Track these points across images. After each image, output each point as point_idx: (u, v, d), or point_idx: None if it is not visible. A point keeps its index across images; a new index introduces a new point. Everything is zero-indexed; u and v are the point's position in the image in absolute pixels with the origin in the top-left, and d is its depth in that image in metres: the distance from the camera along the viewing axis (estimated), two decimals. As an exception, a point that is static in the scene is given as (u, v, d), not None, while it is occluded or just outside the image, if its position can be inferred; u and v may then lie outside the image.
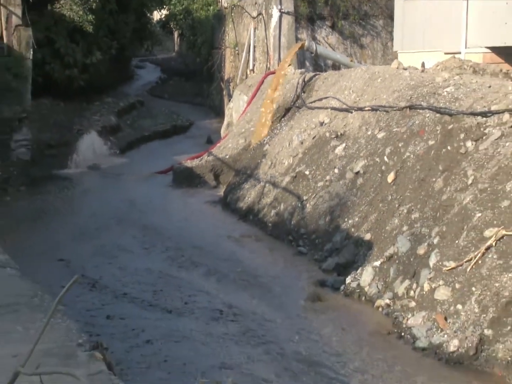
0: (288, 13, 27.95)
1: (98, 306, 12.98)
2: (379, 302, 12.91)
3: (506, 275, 11.13)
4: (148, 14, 37.47)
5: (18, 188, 21.20)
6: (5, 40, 22.23)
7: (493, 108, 14.57)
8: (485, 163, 13.44)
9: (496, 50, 20.33)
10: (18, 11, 22.50)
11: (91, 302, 13.06)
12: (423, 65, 20.51)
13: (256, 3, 29.31)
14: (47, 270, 13.13)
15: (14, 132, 22.29)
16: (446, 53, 20.92)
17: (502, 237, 11.63)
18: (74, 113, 28.32)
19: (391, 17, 26.99)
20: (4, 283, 7.36)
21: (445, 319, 11.45)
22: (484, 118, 14.58)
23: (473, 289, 11.42)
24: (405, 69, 20.19)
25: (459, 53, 20.58)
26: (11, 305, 6.55)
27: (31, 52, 23.35)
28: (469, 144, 14.21)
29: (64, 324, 6.04)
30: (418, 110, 16.49)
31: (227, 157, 24.44)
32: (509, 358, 10.24)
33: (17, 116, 22.52)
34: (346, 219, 16.09)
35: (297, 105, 23.07)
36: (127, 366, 9.70)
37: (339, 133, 19.27)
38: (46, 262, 14.08)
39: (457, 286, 11.77)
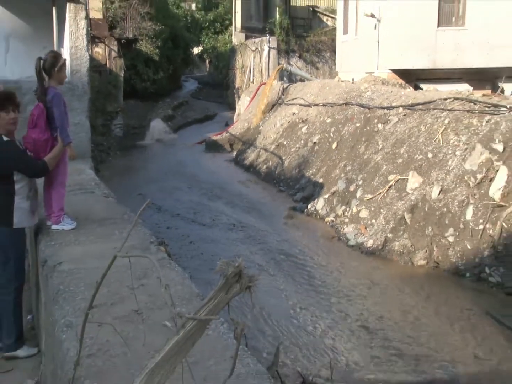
0: (273, 48, 30.53)
1: (162, 221, 15.09)
2: (327, 219, 15.03)
3: (400, 202, 13.13)
4: (191, 49, 39.96)
5: (116, 152, 22.90)
6: (108, 66, 23.77)
7: (393, 104, 16.61)
8: (388, 137, 15.51)
9: (395, 71, 21.80)
10: (115, 48, 24.41)
11: (157, 219, 15.14)
12: (353, 79, 22.49)
13: (254, 42, 31.40)
14: (132, 199, 14.61)
15: (113, 119, 23.86)
16: (366, 72, 22.54)
17: (398, 180, 13.71)
18: (147, 108, 30.52)
19: (334, 51, 29.31)
20: (107, 206, 7.76)
21: (365, 228, 13.44)
22: (388, 110, 16.59)
23: (381, 210, 13.45)
24: (342, 81, 22.47)
25: (374, 72, 22.10)
26: (111, 219, 6.99)
27: (123, 73, 24.98)
28: (379, 125, 16.35)
29: (142, 231, 6.52)
30: (350, 105, 18.74)
31: (237, 134, 26.87)
32: (401, 250, 12.18)
33: (115, 110, 24.15)
34: (308, 170, 18.37)
35: (279, 102, 25.48)
36: (179, 256, 11.33)
37: (303, 119, 21.52)
38: (131, 195, 15.79)
39: (372, 209, 13.80)
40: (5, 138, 5.70)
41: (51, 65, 6.17)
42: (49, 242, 5.94)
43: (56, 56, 6.34)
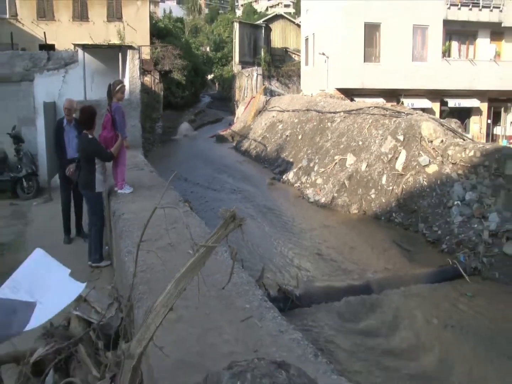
0: (260, 74, 29.91)
1: (187, 188, 14.79)
2: (295, 185, 14.92)
3: (341, 173, 13.05)
4: (206, 76, 39.46)
5: (157, 144, 22.38)
6: (152, 88, 23.30)
7: (337, 110, 16.46)
8: (334, 131, 15.36)
9: (338, 89, 21.51)
10: (157, 77, 23.94)
11: (184, 186, 14.84)
12: (311, 94, 22.06)
13: (247, 71, 30.84)
14: (167, 174, 15.86)
15: (156, 122, 23.28)
16: (320, 89, 22.28)
17: (340, 159, 13.62)
18: (178, 115, 29.89)
19: (299, 76, 28.85)
20: (152, 178, 7.46)
21: (320, 190, 13.36)
22: (334, 114, 16.37)
23: (330, 179, 13.33)
24: (305, 95, 22.48)
25: (325, 89, 21.86)
26: (155, 186, 6.72)
27: (162, 92, 24.56)
28: (329, 124, 16.16)
29: (174, 193, 6.35)
30: (310, 110, 18.43)
31: (236, 130, 26.44)
32: (343, 204, 12.13)
33: (157, 116, 23.54)
34: (282, 153, 18.10)
35: (263, 109, 25.04)
36: (198, 210, 10.47)
37: (280, 120, 21.18)
38: (166, 171, 14.78)
39: (324, 178, 13.67)
40: (90, 136, 5.86)
41: (114, 88, 6.15)
42: (116, 201, 5.96)
43: (116, 83, 6.35)
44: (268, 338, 2.72)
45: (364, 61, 21.90)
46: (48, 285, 2.18)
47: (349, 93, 21.60)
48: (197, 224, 4.76)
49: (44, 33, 17.07)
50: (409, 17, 21.68)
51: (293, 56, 36.69)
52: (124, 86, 6.36)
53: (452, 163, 11.05)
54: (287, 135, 19.07)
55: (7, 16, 23.90)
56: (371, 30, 21.71)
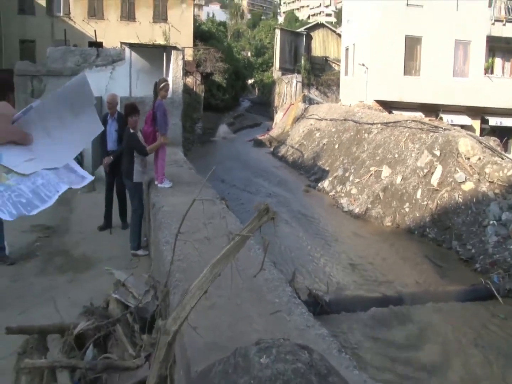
0: (299, 82, 29.87)
1: (223, 189, 14.77)
2: (330, 193, 14.89)
3: (376, 185, 13.00)
4: (246, 81, 39.47)
5: (196, 144, 22.66)
6: (194, 89, 23.56)
7: (375, 121, 16.35)
8: (371, 142, 15.34)
9: (377, 101, 21.34)
10: (199, 78, 24.31)
11: (220, 187, 14.74)
12: (350, 105, 21.86)
13: (287, 77, 30.96)
14: (205, 173, 15.27)
15: (196, 123, 23.59)
16: (359, 100, 22.08)
17: (376, 171, 13.57)
18: (217, 117, 29.89)
19: (338, 85, 28.61)
20: (191, 175, 7.69)
21: (354, 200, 13.34)
22: (371, 125, 16.31)
23: (365, 189, 13.32)
24: (343, 105, 22.22)
25: (363, 100, 21.71)
26: (193, 182, 6.92)
27: (203, 94, 24.69)
28: (366, 135, 16.11)
29: (211, 190, 6.60)
30: (347, 120, 18.39)
31: (274, 136, 26.53)
32: (377, 215, 12.11)
33: (197, 117, 23.78)
34: (319, 161, 18.08)
35: (301, 117, 25.03)
36: (233, 211, 11.11)
37: (317, 128, 21.15)
38: (204, 170, 16.99)
39: (359, 188, 13.67)
40: (131, 131, 6.12)
41: (158, 85, 6.43)
42: (156, 194, 6.13)
43: (161, 81, 6.61)
44: (295, 331, 2.81)
45: (404, 74, 21.81)
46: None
47: (388, 106, 21.50)
48: (233, 221, 4.90)
49: (95, 31, 17.76)
50: (452, 31, 21.45)
51: (333, 65, 36.77)
52: (167, 84, 6.61)
53: (489, 182, 10.90)
54: (324, 144, 19.11)
55: (61, 14, 25.14)
56: (412, 43, 21.63)
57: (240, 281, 3.43)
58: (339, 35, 34.34)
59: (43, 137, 1.27)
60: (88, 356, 3.39)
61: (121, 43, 13.81)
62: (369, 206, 12.64)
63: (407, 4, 21.45)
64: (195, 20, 30.30)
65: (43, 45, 21.54)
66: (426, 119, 15.75)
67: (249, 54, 49.18)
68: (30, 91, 10.60)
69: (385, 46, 21.38)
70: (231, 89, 31.77)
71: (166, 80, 6.75)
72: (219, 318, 3.03)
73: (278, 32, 35.67)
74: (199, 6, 63.00)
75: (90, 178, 1.39)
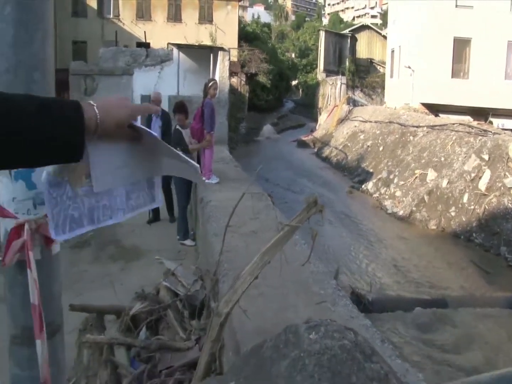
0: (343, 83, 29.73)
1: (267, 188, 14.26)
2: (374, 195, 14.98)
3: (421, 188, 13.00)
4: (290, 82, 39.91)
5: (240, 144, 22.74)
6: (238, 89, 23.52)
7: (420, 124, 16.32)
8: (416, 145, 15.31)
9: (423, 104, 21.19)
10: (244, 79, 24.34)
11: (265, 186, 14.31)
12: (395, 107, 21.74)
13: (331, 79, 30.82)
14: (249, 171, 13.69)
15: (241, 122, 23.73)
16: (404, 103, 21.93)
17: (421, 173, 13.57)
18: (261, 117, 30.15)
19: (383, 87, 28.60)
20: (237, 172, 7.92)
21: (398, 202, 13.36)
22: (417, 128, 16.29)
23: (409, 192, 13.32)
24: (388, 108, 22.13)
25: (409, 103, 21.53)
26: (238, 180, 7.07)
27: (247, 94, 24.77)
28: (411, 137, 16.09)
29: (258, 187, 6.82)
30: (392, 123, 18.36)
31: (318, 137, 26.59)
32: (422, 218, 11.99)
33: (241, 117, 23.86)
34: (363, 163, 18.12)
35: (346, 118, 25.01)
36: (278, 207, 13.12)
37: (362, 130, 21.18)
38: (249, 169, 16.18)
39: (403, 191, 13.65)
40: (177, 127, 6.40)
41: (208, 85, 6.66)
42: (204, 189, 6.30)
43: (210, 80, 6.83)
44: (340, 320, 2.92)
45: (452, 77, 21.42)
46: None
47: (434, 109, 21.18)
48: (279, 216, 5.04)
49: (144, 32, 18.30)
50: (504, 33, 20.85)
51: (378, 67, 36.36)
52: (216, 83, 6.84)
53: (542, 187, 10.57)
54: (368, 146, 19.11)
55: (111, 16, 26.03)
56: (461, 45, 21.20)
57: (287, 273, 3.59)
58: (385, 37, 33.93)
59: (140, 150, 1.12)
60: (141, 337, 3.60)
61: (169, 44, 14.21)
62: (414, 209, 12.59)
63: (456, 5, 21.03)
64: (240, 21, 30.67)
65: (94, 45, 22.38)
66: (475, 123, 15.57)
67: (293, 55, 49.28)
68: (83, 90, 11.07)
69: (432, 48, 21.08)
70: (275, 90, 31.94)
71: (214, 79, 6.98)
72: (266, 306, 3.17)
73: (322, 34, 35.63)
74: (244, 8, 63.63)
75: (158, 204, 1.25)
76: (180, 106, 6.62)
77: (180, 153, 1.08)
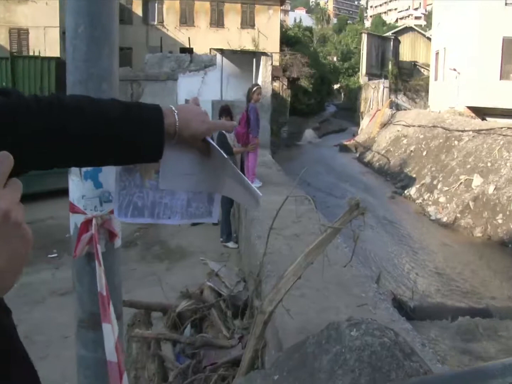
0: (386, 87, 29.58)
1: (309, 192, 13.08)
2: (417, 201, 14.85)
3: (466, 194, 12.85)
4: (332, 85, 39.65)
5: (282, 148, 22.87)
6: (280, 94, 23.75)
7: (466, 129, 16.08)
8: (461, 150, 15.11)
9: (469, 107, 20.61)
10: (285, 83, 24.51)
11: (306, 190, 13.50)
12: (439, 111, 21.42)
13: (373, 83, 30.61)
14: (291, 175, 14.26)
15: (282, 127, 23.90)
16: (449, 107, 21.57)
17: (466, 179, 13.40)
18: (303, 121, 30.22)
19: (427, 91, 28.01)
20: (279, 176, 8.12)
21: (442, 209, 13.23)
22: (462, 132, 16.07)
23: (454, 198, 13.16)
24: (432, 112, 21.82)
25: (454, 107, 21.17)
26: (281, 184, 7.05)
27: (289, 98, 24.96)
28: (456, 142, 15.87)
29: (301, 191, 6.47)
30: (436, 127, 18.18)
31: (360, 141, 26.44)
32: (466, 226, 11.95)
33: (283, 121, 24.05)
34: (405, 168, 17.97)
35: (388, 123, 24.77)
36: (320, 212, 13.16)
37: (404, 135, 20.94)
38: (291, 173, 16.84)
39: (447, 197, 13.48)
40: (222, 130, 6.55)
41: (251, 90, 6.82)
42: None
43: (254, 85, 6.98)
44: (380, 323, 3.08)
45: (500, 79, 20.70)
46: None
47: (481, 112, 20.67)
48: (321, 220, 5.13)
49: (189, 38, 18.71)
50: (560, 31, 19.94)
51: (422, 70, 35.82)
52: (260, 88, 6.99)
53: None
54: (411, 150, 18.90)
55: (155, 22, 26.74)
56: (510, 46, 20.43)
57: (329, 275, 3.68)
58: (429, 39, 33.42)
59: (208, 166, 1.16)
60: (186, 334, 3.77)
61: (212, 49, 14.50)
62: (458, 215, 12.43)
63: (506, 4, 20.27)
64: (281, 26, 30.86)
65: (139, 51, 23.04)
66: (525, 127, 15.10)
67: (335, 59, 49.13)
68: (130, 95, 11.45)
69: (479, 49, 20.48)
70: (316, 94, 31.92)
71: (258, 85, 7.13)
72: (308, 306, 3.30)
73: (364, 37, 35.41)
74: (285, 12, 63.77)
75: (214, 220, 1.26)
76: (225, 110, 6.78)
77: (246, 179, 1.12)
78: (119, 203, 1.11)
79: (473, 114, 20.37)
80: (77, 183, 1.55)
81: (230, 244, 6.61)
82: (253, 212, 5.31)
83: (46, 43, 19.74)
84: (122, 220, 1.15)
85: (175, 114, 0.98)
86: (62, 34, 21.56)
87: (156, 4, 27.11)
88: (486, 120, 19.33)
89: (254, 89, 6.98)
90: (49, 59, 11.82)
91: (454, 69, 21.58)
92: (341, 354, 1.94)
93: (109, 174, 1.55)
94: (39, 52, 14.00)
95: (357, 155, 24.84)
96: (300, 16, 76.31)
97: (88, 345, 1.61)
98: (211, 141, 1.05)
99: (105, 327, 1.51)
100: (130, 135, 0.94)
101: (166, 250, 6.24)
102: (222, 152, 1.04)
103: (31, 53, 13.91)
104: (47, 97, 0.91)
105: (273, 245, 4.13)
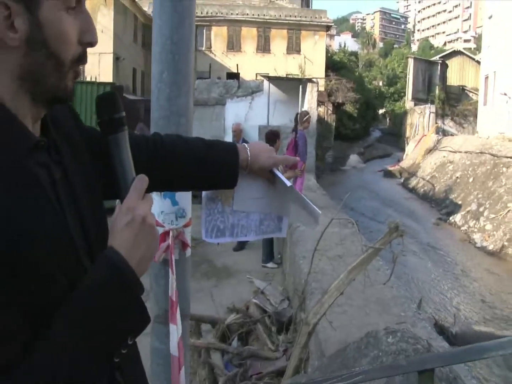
0: (432, 112, 29.34)
1: (352, 216, 14.46)
2: (462, 228, 14.63)
3: (515, 221, 12.31)
4: (377, 110, 39.84)
5: (326, 172, 23.05)
6: (325, 119, 24.02)
7: (514, 155, 15.46)
8: (509, 177, 14.92)
9: None
10: (330, 108, 24.98)
11: (350, 215, 13.19)
12: (488, 137, 20.97)
13: (419, 108, 30.62)
14: (335, 199, 14.21)
15: (327, 151, 24.17)
16: (499, 133, 20.79)
17: (514, 206, 12.79)
18: (347, 146, 30.35)
19: (475, 116, 27.50)
20: (323, 200, 8.18)
21: (488, 236, 13.04)
22: (510, 159, 15.84)
23: (501, 226, 12.97)
24: (480, 137, 21.45)
25: (504, 132, 20.38)
26: (325, 208, 7.01)
27: (334, 123, 25.28)
28: (504, 169, 15.66)
29: (345, 215, 6.07)
30: (484, 154, 17.93)
31: (405, 167, 26.18)
32: (514, 254, 11.27)
33: (328, 146, 24.29)
34: (451, 195, 17.75)
35: (434, 148, 24.42)
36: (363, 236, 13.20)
37: (450, 161, 20.72)
38: (335, 197, 16.78)
39: (494, 224, 13.29)
40: None
41: (302, 117, 7.13)
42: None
43: (304, 113, 7.30)
44: None
45: (555, 104, 20.08)
46: None
47: (533, 139, 20.27)
48: (364, 242, 5.34)
49: (237, 65, 19.36)
50: None
51: (471, 94, 35.39)
52: (310, 116, 7.30)
53: None
54: (457, 177, 18.73)
55: (203, 48, 27.59)
56: None
57: (369, 294, 3.91)
58: (478, 62, 33.00)
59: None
60: (233, 345, 4.05)
61: (259, 74, 14.99)
62: (506, 243, 12.22)
63: (558, 27, 19.78)
64: (327, 51, 31.32)
65: (188, 76, 23.82)
66: None
67: (380, 83, 49.19)
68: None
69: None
70: (361, 119, 32.05)
71: (308, 113, 7.44)
72: (349, 322, 3.55)
73: (411, 61, 35.41)
74: (331, 36, 64.39)
75: (283, 235, 1.44)
76: (275, 135, 6.98)
77: (307, 200, 1.31)
78: (206, 227, 1.34)
79: (520, 140, 19.89)
80: (157, 201, 1.87)
81: (270, 265, 6.83)
82: (298, 233, 5.58)
83: (100, 68, 20.79)
84: (208, 241, 1.37)
85: (248, 150, 1.21)
86: (116, 59, 22.71)
87: (204, 30, 28.00)
88: (539, 146, 18.82)
89: (306, 117, 7.27)
90: (105, 84, 12.57)
91: (505, 94, 21.23)
92: (378, 358, 2.18)
93: (183, 194, 1.89)
94: (95, 78, 14.86)
95: (402, 180, 24.77)
96: (345, 40, 76.81)
97: (161, 338, 1.91)
98: (277, 172, 1.26)
99: (172, 327, 1.82)
100: (213, 169, 1.18)
101: (213, 268, 6.53)
102: (286, 181, 1.26)
103: (88, 79, 14.72)
104: (152, 137, 1.19)
105: (317, 265, 4.37)
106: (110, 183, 0.91)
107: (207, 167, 1.18)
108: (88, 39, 0.84)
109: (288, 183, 1.26)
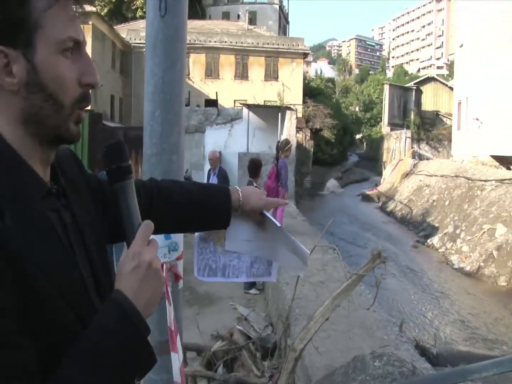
0: (408, 137, 29.71)
1: (332, 242, 12.83)
2: (440, 250, 14.70)
3: (490, 243, 12.75)
4: (354, 135, 40.31)
5: (305, 198, 23.11)
6: (303, 145, 24.24)
7: (488, 178, 16.12)
8: (484, 200, 15.12)
9: (493, 156, 20.48)
10: (308, 134, 25.17)
11: (329, 239, 13.73)
12: (462, 161, 21.52)
13: (395, 133, 31.04)
14: (315, 225, 12.90)
15: (305, 177, 24.42)
16: (473, 156, 21.56)
17: (489, 228, 13.33)
18: (325, 171, 30.53)
19: (450, 140, 28.02)
20: (303, 225, 8.53)
21: (465, 258, 13.09)
22: (485, 182, 16.12)
23: (477, 247, 13.05)
24: (454, 161, 21.88)
25: (477, 156, 21.15)
26: (306, 234, 7.38)
27: (312, 149, 25.54)
28: (478, 192, 15.87)
29: (325, 241, 5.75)
30: (459, 177, 18.20)
31: (382, 191, 26.31)
32: (490, 274, 11.86)
33: (306, 171, 24.36)
34: (428, 218, 17.94)
35: (411, 172, 24.71)
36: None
37: (427, 184, 20.94)
38: (314, 223, 15.17)
39: (471, 246, 13.39)
40: (254, 185, 6.92)
41: (283, 146, 7.27)
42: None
43: (285, 142, 7.45)
44: None
45: (524, 128, 20.47)
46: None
47: (505, 161, 20.54)
48: (343, 267, 5.44)
49: (216, 93, 19.56)
50: None
51: (445, 119, 36.30)
52: (291, 145, 7.45)
53: None
54: (433, 200, 19.01)
55: (182, 75, 27.74)
56: (537, 94, 20.19)
57: (353, 319, 4.00)
58: (451, 88, 33.89)
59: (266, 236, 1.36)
60: (219, 372, 4.07)
61: (237, 101, 15.20)
62: (482, 264, 12.36)
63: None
64: (304, 77, 31.88)
65: (166, 103, 23.92)
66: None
67: (357, 109, 50.12)
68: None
69: (502, 99, 20.44)
70: (339, 144, 32.42)
71: (290, 142, 7.59)
72: (334, 347, 3.64)
73: (386, 88, 36.22)
74: (308, 63, 65.52)
75: (273, 279, 1.46)
76: (258, 167, 7.00)
77: (296, 241, 1.32)
78: (198, 266, 1.38)
79: (496, 163, 20.32)
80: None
81: (252, 291, 6.86)
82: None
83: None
84: (200, 279, 1.41)
85: (239, 192, 1.26)
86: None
87: (183, 58, 28.36)
88: (511, 169, 19.23)
89: (288, 146, 7.42)
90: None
91: (477, 119, 21.71)
92: (365, 382, 2.26)
93: (175, 229, 1.96)
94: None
95: (380, 204, 24.98)
96: (321, 67, 78.24)
97: (155, 369, 1.96)
98: (267, 214, 1.30)
99: (173, 355, 1.88)
100: (207, 211, 1.24)
101: (195, 296, 6.50)
102: (276, 222, 1.31)
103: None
104: (148, 182, 1.24)
105: (300, 291, 4.44)
106: (113, 227, 0.98)
107: (202, 210, 1.24)
108: (88, 81, 0.85)
109: (278, 224, 1.30)
